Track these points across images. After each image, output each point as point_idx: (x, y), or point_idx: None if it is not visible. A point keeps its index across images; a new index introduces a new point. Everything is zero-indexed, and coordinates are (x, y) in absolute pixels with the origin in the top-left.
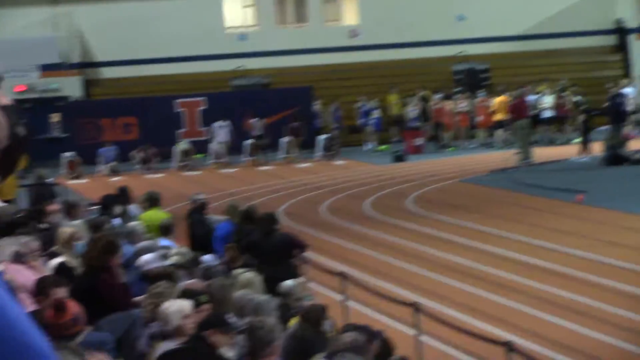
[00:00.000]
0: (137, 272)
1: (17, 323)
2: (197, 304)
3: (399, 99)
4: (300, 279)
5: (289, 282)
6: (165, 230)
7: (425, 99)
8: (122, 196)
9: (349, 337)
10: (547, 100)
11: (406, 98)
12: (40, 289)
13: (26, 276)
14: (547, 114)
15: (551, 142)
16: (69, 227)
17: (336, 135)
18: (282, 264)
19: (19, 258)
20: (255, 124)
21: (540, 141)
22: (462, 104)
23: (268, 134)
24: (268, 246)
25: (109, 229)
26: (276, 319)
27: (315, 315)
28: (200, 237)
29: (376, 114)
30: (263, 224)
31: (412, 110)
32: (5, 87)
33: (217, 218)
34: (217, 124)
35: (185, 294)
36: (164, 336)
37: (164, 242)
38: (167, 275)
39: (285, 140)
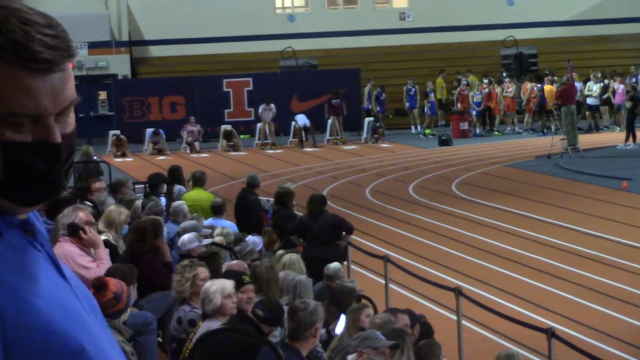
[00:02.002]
0: (178, 251)
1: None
2: (240, 284)
3: (445, 83)
4: (343, 262)
5: (334, 265)
6: (217, 209)
7: (466, 83)
8: (174, 176)
9: (379, 318)
10: (594, 88)
11: (453, 82)
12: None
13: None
14: (592, 101)
15: (591, 129)
16: (118, 211)
17: (381, 118)
18: (329, 246)
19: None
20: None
21: (584, 128)
22: (509, 89)
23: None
24: (316, 227)
25: (154, 206)
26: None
27: (342, 298)
28: (254, 216)
29: (432, 97)
30: (312, 205)
31: (475, 94)
32: None
33: (267, 199)
34: (261, 107)
35: (228, 274)
36: (205, 316)
37: (217, 221)
38: (210, 255)
39: (329, 121)
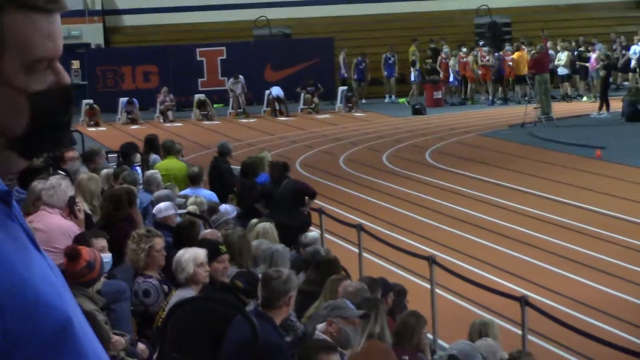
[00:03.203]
0: (153, 219)
1: (26, 279)
2: (217, 254)
3: (418, 52)
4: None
5: (312, 234)
6: (194, 179)
7: (437, 51)
8: (150, 145)
9: (351, 287)
10: (562, 57)
11: (426, 50)
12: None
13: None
14: (562, 71)
15: (564, 98)
16: (90, 179)
17: (355, 87)
18: (293, 212)
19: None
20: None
21: (563, 97)
22: (485, 58)
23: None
24: (279, 194)
25: (127, 176)
26: (290, 269)
27: (327, 268)
28: (227, 185)
29: (418, 65)
30: (273, 172)
31: (453, 63)
32: None
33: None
34: (230, 81)
35: (203, 243)
36: (178, 285)
37: (195, 191)
38: (189, 225)
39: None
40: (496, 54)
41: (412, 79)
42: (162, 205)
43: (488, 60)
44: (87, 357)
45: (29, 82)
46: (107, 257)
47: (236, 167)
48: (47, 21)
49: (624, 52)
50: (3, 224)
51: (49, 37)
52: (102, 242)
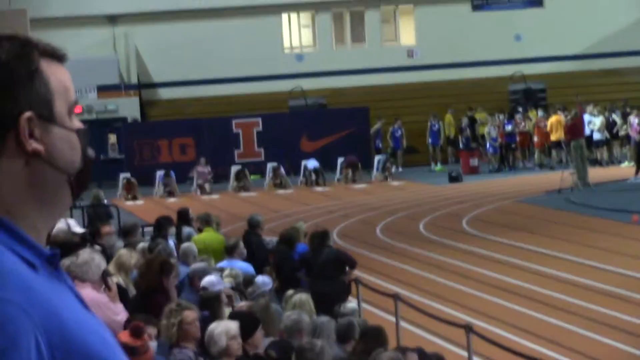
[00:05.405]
0: (192, 293)
1: (76, 331)
2: (251, 327)
3: (453, 119)
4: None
5: (351, 305)
6: (229, 250)
7: (473, 120)
8: (182, 218)
9: (386, 356)
10: (597, 122)
11: (461, 118)
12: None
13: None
14: (597, 136)
15: (599, 163)
16: (129, 255)
17: (392, 155)
18: (334, 280)
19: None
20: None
21: (594, 162)
22: (522, 125)
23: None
24: (320, 263)
25: (162, 250)
26: (327, 339)
27: (373, 337)
28: (260, 258)
29: (467, 132)
30: (314, 241)
31: (492, 129)
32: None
33: (271, 239)
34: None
35: (234, 315)
36: (211, 358)
37: (232, 263)
38: (216, 297)
39: (339, 160)
40: (509, 123)
41: (461, 146)
42: (214, 279)
43: (524, 127)
44: None
45: (73, 122)
46: (154, 345)
47: (267, 238)
48: (65, 70)
49: None
50: (50, 283)
51: (70, 83)
52: (151, 330)
